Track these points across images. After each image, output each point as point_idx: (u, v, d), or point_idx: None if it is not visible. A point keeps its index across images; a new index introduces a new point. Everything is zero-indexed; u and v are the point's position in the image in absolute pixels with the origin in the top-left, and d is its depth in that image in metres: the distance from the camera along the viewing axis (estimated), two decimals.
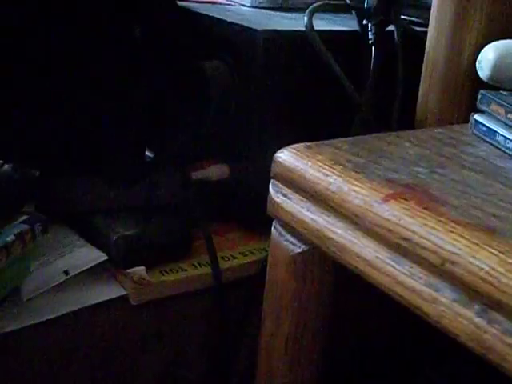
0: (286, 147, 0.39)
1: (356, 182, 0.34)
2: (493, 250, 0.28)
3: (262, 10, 0.69)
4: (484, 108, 0.44)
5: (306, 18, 0.56)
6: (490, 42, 0.46)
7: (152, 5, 0.55)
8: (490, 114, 0.43)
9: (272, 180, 0.39)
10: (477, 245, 0.28)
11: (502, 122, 0.42)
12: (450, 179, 0.36)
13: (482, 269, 0.28)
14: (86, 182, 0.53)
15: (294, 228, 0.38)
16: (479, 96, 0.44)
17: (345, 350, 0.58)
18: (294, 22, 0.62)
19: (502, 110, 0.42)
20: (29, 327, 0.45)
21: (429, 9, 0.52)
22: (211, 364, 0.53)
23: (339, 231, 0.34)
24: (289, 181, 0.38)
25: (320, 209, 0.36)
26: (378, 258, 0.32)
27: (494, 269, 0.27)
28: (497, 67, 0.45)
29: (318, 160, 0.36)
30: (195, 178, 0.56)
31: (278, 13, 0.68)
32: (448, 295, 0.29)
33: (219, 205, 0.56)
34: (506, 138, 0.41)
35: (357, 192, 0.33)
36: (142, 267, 0.49)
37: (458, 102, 0.50)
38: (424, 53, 0.52)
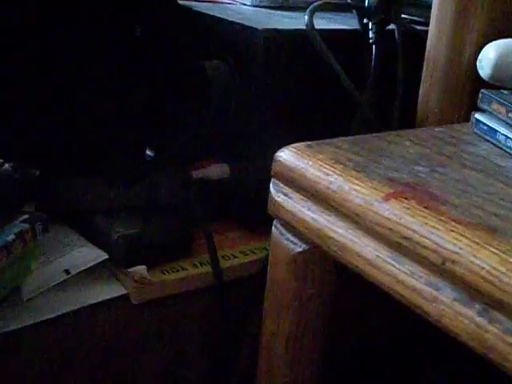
0: (287, 146, 0.39)
1: (356, 181, 0.34)
2: (494, 250, 0.28)
3: (263, 9, 0.69)
4: (485, 107, 0.43)
5: (306, 17, 0.56)
6: (490, 41, 0.46)
7: (152, 4, 0.55)
8: (490, 113, 0.43)
9: (273, 179, 0.39)
10: (478, 244, 0.28)
11: (503, 121, 0.42)
12: (450, 178, 0.36)
13: (483, 268, 0.27)
14: (86, 182, 0.53)
15: (294, 227, 0.38)
16: (480, 95, 0.44)
17: (345, 349, 0.58)
18: (294, 21, 0.62)
19: (502, 109, 0.42)
20: (29, 326, 0.45)
21: (429, 8, 0.52)
22: (212, 363, 0.53)
23: (340, 230, 0.34)
24: (289, 180, 0.38)
25: (321, 208, 0.36)
26: (378, 257, 0.32)
27: (494, 268, 0.27)
28: (498, 66, 0.45)
29: (318, 159, 0.36)
30: (195, 177, 0.56)
31: (278, 12, 0.68)
32: (449, 294, 0.29)
33: (219, 204, 0.56)
34: (507, 137, 0.41)
35: (357, 191, 0.33)
36: (143, 266, 0.49)
37: (459, 101, 0.50)
38: (425, 52, 0.52)
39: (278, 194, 0.38)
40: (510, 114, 0.41)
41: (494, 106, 0.42)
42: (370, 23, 0.59)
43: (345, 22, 0.64)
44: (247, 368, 0.50)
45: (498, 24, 0.48)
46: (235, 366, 0.53)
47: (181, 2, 0.64)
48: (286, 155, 0.38)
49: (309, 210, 0.36)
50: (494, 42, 0.46)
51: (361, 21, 0.60)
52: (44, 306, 0.46)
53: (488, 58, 0.46)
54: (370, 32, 0.59)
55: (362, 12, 0.60)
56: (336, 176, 0.35)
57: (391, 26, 0.60)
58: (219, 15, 0.60)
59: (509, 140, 0.41)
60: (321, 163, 0.36)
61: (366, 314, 0.59)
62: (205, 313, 0.52)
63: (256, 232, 0.57)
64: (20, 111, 0.50)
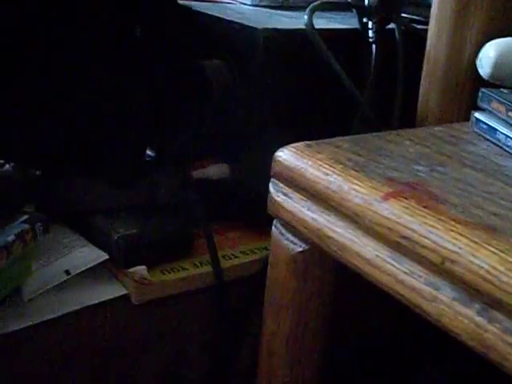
0: (286, 146, 0.39)
1: (356, 181, 0.34)
2: (493, 249, 0.28)
3: (263, 9, 0.69)
4: (485, 106, 0.43)
5: (306, 17, 0.56)
6: (490, 40, 0.46)
7: (152, 4, 0.55)
8: (490, 112, 0.43)
9: (272, 179, 0.39)
10: (477, 243, 0.28)
11: (503, 120, 0.42)
12: (450, 177, 0.36)
13: (483, 267, 0.27)
14: (87, 182, 0.53)
15: (294, 227, 0.38)
16: (480, 94, 0.44)
17: (345, 349, 0.58)
18: (294, 21, 0.62)
19: (502, 108, 0.42)
20: (30, 327, 0.45)
21: (429, 7, 0.52)
22: (212, 363, 0.53)
23: (339, 230, 0.34)
24: (289, 180, 0.38)
25: (320, 208, 0.36)
26: (378, 256, 0.32)
27: (494, 267, 0.27)
28: (497, 65, 0.45)
29: (317, 159, 0.36)
30: (195, 177, 0.56)
31: (278, 11, 0.67)
32: (448, 294, 0.29)
33: (219, 204, 0.56)
34: (507, 136, 0.41)
35: (357, 191, 0.33)
36: (143, 266, 0.49)
37: (459, 100, 0.50)
38: (425, 51, 0.52)
39: (278, 193, 0.38)
40: (509, 113, 0.41)
41: (494, 104, 0.42)
42: (370, 22, 0.59)
43: (345, 22, 0.64)
44: (248, 368, 0.50)
45: (498, 23, 0.48)
46: (236, 365, 0.53)
47: (180, 2, 0.64)
48: (286, 155, 0.38)
49: (308, 209, 0.36)
50: (493, 41, 0.46)
51: (361, 20, 0.60)
52: (44, 307, 0.46)
53: (488, 56, 0.46)
54: (370, 31, 0.59)
55: (362, 11, 0.60)
56: (335, 176, 0.35)
57: (391, 25, 0.60)
58: (219, 15, 0.60)
59: (509, 139, 0.41)
60: (320, 163, 0.36)
61: (365, 313, 0.59)
62: (205, 313, 0.52)
63: (256, 232, 0.57)
64: (20, 111, 0.50)
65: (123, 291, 0.49)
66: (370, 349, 0.59)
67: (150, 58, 0.53)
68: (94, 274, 0.49)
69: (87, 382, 0.48)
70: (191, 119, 0.57)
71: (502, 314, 0.27)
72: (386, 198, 0.32)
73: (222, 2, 0.71)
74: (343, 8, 0.65)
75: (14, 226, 0.45)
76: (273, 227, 0.40)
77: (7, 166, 0.55)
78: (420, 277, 0.30)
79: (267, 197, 0.40)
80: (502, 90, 0.44)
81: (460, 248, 0.28)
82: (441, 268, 0.29)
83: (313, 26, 0.55)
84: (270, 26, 0.56)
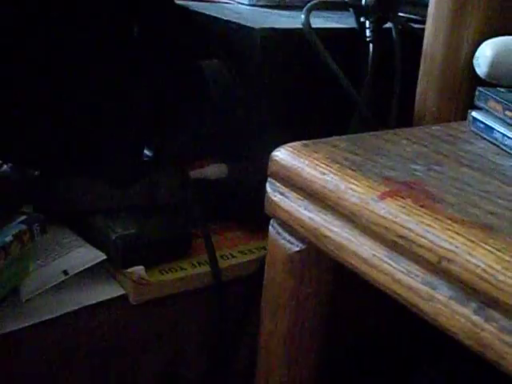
0: (283, 145, 0.39)
1: (352, 180, 0.34)
2: (489, 248, 0.28)
3: (260, 8, 0.69)
4: (481, 105, 0.43)
5: (303, 16, 0.56)
6: (487, 39, 0.46)
7: (150, 4, 0.55)
8: (487, 111, 0.43)
9: (269, 178, 0.39)
10: (473, 242, 0.28)
11: (500, 118, 0.42)
12: (447, 177, 0.36)
13: (479, 266, 0.27)
14: (86, 182, 0.53)
15: (291, 226, 0.38)
16: (476, 93, 0.44)
17: (342, 348, 0.58)
18: (291, 20, 0.62)
19: (499, 107, 0.42)
20: (28, 327, 0.45)
21: (426, 6, 0.52)
22: (211, 363, 0.53)
23: (336, 229, 0.34)
24: (286, 179, 0.38)
25: (317, 207, 0.36)
26: (374, 256, 0.32)
27: (490, 266, 0.27)
28: (494, 64, 0.45)
29: (314, 158, 0.36)
30: (193, 177, 0.56)
31: (275, 11, 0.67)
32: (445, 293, 0.29)
33: (218, 204, 0.56)
34: (504, 134, 0.41)
35: (353, 190, 0.33)
36: (141, 267, 0.49)
37: (456, 99, 0.50)
38: (422, 50, 0.52)
39: (275, 193, 0.38)
40: (506, 112, 0.41)
41: (491, 103, 0.42)
42: (367, 22, 0.59)
43: (342, 21, 0.64)
44: (246, 368, 0.50)
45: (495, 22, 0.48)
46: (234, 365, 0.53)
47: (178, 2, 0.64)
48: (282, 154, 0.38)
49: (305, 209, 0.36)
50: (490, 40, 0.46)
51: (358, 19, 0.60)
52: (43, 307, 0.46)
53: (484, 55, 0.46)
54: (367, 30, 0.59)
55: (359, 10, 0.60)
56: (332, 175, 0.35)
57: (388, 25, 0.60)
58: (216, 15, 0.60)
59: (506, 138, 0.41)
60: (317, 162, 0.36)
61: (362, 312, 0.59)
62: (203, 313, 0.52)
63: (254, 232, 0.57)
64: (19, 111, 0.50)
65: (121, 291, 0.49)
66: (367, 348, 0.59)
67: (149, 58, 0.53)
68: (92, 274, 0.49)
69: (86, 382, 0.48)
70: (190, 119, 0.57)
71: (498, 312, 0.27)
72: (382, 197, 0.32)
73: (219, 2, 0.71)
74: (340, 7, 0.65)
75: (12, 226, 0.45)
76: (270, 227, 0.40)
77: (5, 166, 0.55)
78: (417, 276, 0.30)
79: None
80: (498, 88, 0.44)
81: (457, 247, 0.28)
82: (437, 267, 0.29)
83: (310, 25, 0.55)
84: (267, 26, 0.56)
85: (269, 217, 0.40)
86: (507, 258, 0.27)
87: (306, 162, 0.36)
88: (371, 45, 0.58)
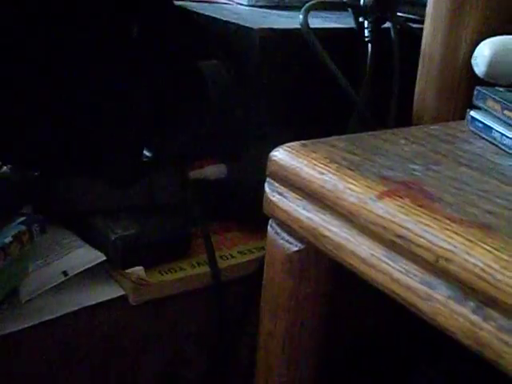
0: (282, 146, 0.39)
1: (351, 180, 0.34)
2: (487, 247, 0.28)
3: (259, 9, 0.69)
4: (480, 104, 0.43)
5: (301, 16, 0.56)
6: (485, 39, 0.46)
7: (150, 5, 0.55)
8: (486, 111, 0.43)
9: (268, 179, 0.39)
10: (472, 242, 0.28)
11: (498, 118, 0.42)
12: (445, 176, 0.36)
13: (477, 266, 0.27)
14: (86, 182, 0.53)
15: (289, 226, 0.38)
16: (475, 92, 0.44)
17: (341, 348, 0.58)
18: (290, 21, 0.62)
19: (498, 106, 0.42)
20: (28, 328, 0.45)
21: (425, 6, 0.52)
22: (210, 363, 0.53)
23: (334, 229, 0.34)
24: (284, 179, 0.38)
25: (315, 207, 0.36)
26: (373, 255, 0.32)
27: (488, 266, 0.27)
28: (492, 63, 0.45)
29: (312, 158, 0.36)
30: (193, 177, 0.56)
31: (274, 11, 0.68)
32: (443, 292, 0.29)
33: (217, 204, 0.56)
34: (503, 134, 0.41)
35: (352, 190, 0.33)
36: (141, 267, 0.49)
37: (455, 98, 0.50)
38: (420, 50, 0.52)
39: (273, 193, 0.38)
40: (505, 111, 0.41)
41: (489, 103, 0.42)
42: (366, 22, 0.59)
43: (340, 21, 0.64)
44: (246, 368, 0.50)
45: (493, 22, 0.48)
46: (234, 365, 0.53)
47: (177, 3, 0.64)
48: (281, 154, 0.38)
49: (304, 209, 0.36)
50: (488, 40, 0.46)
51: (356, 19, 0.60)
52: (42, 308, 0.46)
53: (483, 55, 0.46)
54: (366, 30, 0.59)
55: (358, 10, 0.60)
56: (330, 175, 0.35)
57: (387, 25, 0.60)
58: (215, 15, 0.60)
59: (504, 137, 0.41)
60: (315, 162, 0.36)
61: (361, 312, 0.59)
62: (203, 313, 0.52)
63: (254, 232, 0.57)
64: (19, 112, 0.50)
65: (121, 292, 0.49)
66: (365, 348, 0.59)
67: (148, 58, 0.53)
68: (91, 274, 0.49)
69: (86, 382, 0.48)
70: (189, 120, 0.57)
71: (496, 311, 0.27)
72: (380, 196, 0.32)
73: (218, 3, 0.71)
74: (339, 7, 0.65)
75: (11, 227, 0.45)
76: (268, 227, 0.40)
77: (5, 168, 0.55)
78: (415, 275, 0.30)
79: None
80: (497, 88, 0.44)
81: (455, 246, 0.28)
82: (436, 267, 0.29)
83: (308, 25, 0.55)
84: (265, 26, 0.56)
85: (268, 217, 0.40)
86: (505, 257, 0.27)
87: (305, 162, 0.36)
88: (370, 45, 0.58)
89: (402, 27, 0.62)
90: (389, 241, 0.31)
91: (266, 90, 0.56)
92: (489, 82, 0.46)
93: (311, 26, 0.55)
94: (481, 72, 0.46)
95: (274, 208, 0.38)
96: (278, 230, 0.39)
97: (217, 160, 0.58)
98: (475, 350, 0.28)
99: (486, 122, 0.42)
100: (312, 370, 0.41)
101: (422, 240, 0.30)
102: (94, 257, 0.50)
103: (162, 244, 0.52)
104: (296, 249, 0.38)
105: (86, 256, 0.50)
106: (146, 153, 0.57)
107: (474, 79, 0.46)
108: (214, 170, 0.57)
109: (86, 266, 0.49)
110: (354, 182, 0.34)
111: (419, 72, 0.52)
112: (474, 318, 0.28)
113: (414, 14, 0.68)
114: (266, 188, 0.39)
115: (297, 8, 0.64)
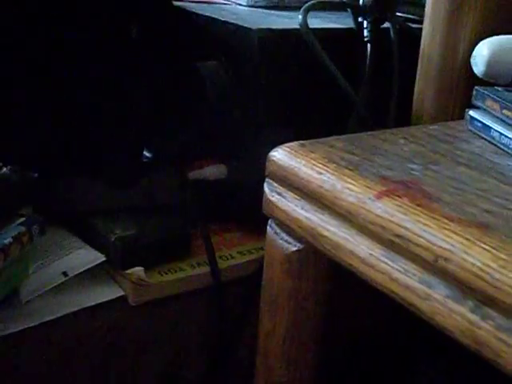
0: (280, 146, 0.39)
1: (349, 180, 0.34)
2: (486, 246, 0.28)
3: (258, 9, 0.69)
4: (479, 104, 0.43)
5: (300, 16, 0.56)
6: (484, 39, 0.46)
7: (149, 5, 0.55)
8: (485, 110, 0.43)
9: (267, 179, 0.39)
10: (470, 241, 0.28)
11: (497, 117, 0.42)
12: (444, 176, 0.36)
13: (475, 265, 0.27)
14: (85, 183, 0.53)
15: (288, 226, 0.38)
16: (474, 92, 0.44)
17: (341, 348, 0.58)
18: (289, 21, 0.62)
19: (496, 106, 0.42)
20: (28, 329, 0.45)
21: (424, 6, 0.52)
22: (210, 363, 0.53)
23: (333, 229, 0.34)
24: (283, 179, 0.38)
25: (314, 207, 0.36)
26: (371, 255, 0.32)
27: (487, 265, 0.27)
28: (491, 63, 0.45)
29: (311, 158, 0.36)
30: (193, 177, 0.56)
31: (273, 12, 0.68)
32: (442, 292, 0.29)
33: (217, 204, 0.57)
34: (501, 133, 0.41)
35: (350, 189, 0.33)
36: (141, 268, 0.49)
37: (454, 98, 0.50)
38: (419, 50, 0.52)
39: (272, 193, 0.38)
40: (504, 111, 0.41)
41: (488, 102, 0.42)
42: (365, 22, 0.59)
43: (339, 21, 0.64)
44: (246, 368, 0.50)
45: (491, 21, 0.48)
46: (234, 366, 0.53)
47: (176, 3, 0.64)
48: (280, 155, 0.38)
49: (302, 208, 0.36)
50: (487, 39, 0.46)
51: (355, 19, 0.60)
52: (42, 309, 0.46)
53: (482, 54, 0.46)
54: (365, 30, 0.59)
55: (357, 11, 0.60)
56: (329, 175, 0.35)
57: (386, 25, 0.60)
58: (214, 16, 0.60)
59: (503, 137, 0.41)
60: (314, 162, 0.36)
61: (360, 312, 0.59)
62: (203, 313, 0.52)
63: (254, 232, 0.57)
64: (19, 112, 0.50)
65: (121, 292, 0.49)
66: (364, 347, 0.59)
67: (148, 58, 0.53)
68: (91, 275, 0.50)
69: (86, 382, 0.48)
70: (189, 120, 0.58)
71: (495, 311, 0.27)
72: (379, 196, 0.32)
73: (217, 3, 0.71)
74: (338, 7, 0.65)
75: (11, 228, 0.45)
76: (267, 227, 0.40)
77: (5, 169, 0.55)
78: (414, 275, 0.30)
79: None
80: (496, 87, 0.44)
81: (453, 246, 0.29)
82: (434, 266, 0.29)
83: (307, 25, 0.55)
84: (264, 27, 0.56)
85: (267, 217, 0.40)
86: (503, 257, 0.27)
87: (303, 162, 0.36)
88: (369, 45, 0.58)
89: (402, 27, 0.62)
90: (387, 240, 0.31)
91: (265, 91, 0.56)
92: (488, 81, 0.46)
93: (310, 26, 0.55)
94: (480, 72, 0.46)
95: (273, 208, 0.38)
96: (278, 230, 0.39)
97: (216, 160, 0.58)
98: (474, 349, 0.28)
99: (484, 121, 0.42)
100: (311, 369, 0.41)
101: (420, 239, 0.30)
102: (94, 257, 0.50)
103: (162, 244, 0.52)
104: (295, 249, 0.38)
105: (85, 257, 0.50)
106: (146, 153, 0.57)
107: (472, 79, 0.46)
108: (213, 171, 0.58)
109: (86, 267, 0.49)
110: (352, 181, 0.34)
111: (418, 72, 0.52)
112: (472, 317, 0.28)
113: (413, 14, 0.68)
114: (266, 188, 0.39)
115: (296, 8, 0.64)
